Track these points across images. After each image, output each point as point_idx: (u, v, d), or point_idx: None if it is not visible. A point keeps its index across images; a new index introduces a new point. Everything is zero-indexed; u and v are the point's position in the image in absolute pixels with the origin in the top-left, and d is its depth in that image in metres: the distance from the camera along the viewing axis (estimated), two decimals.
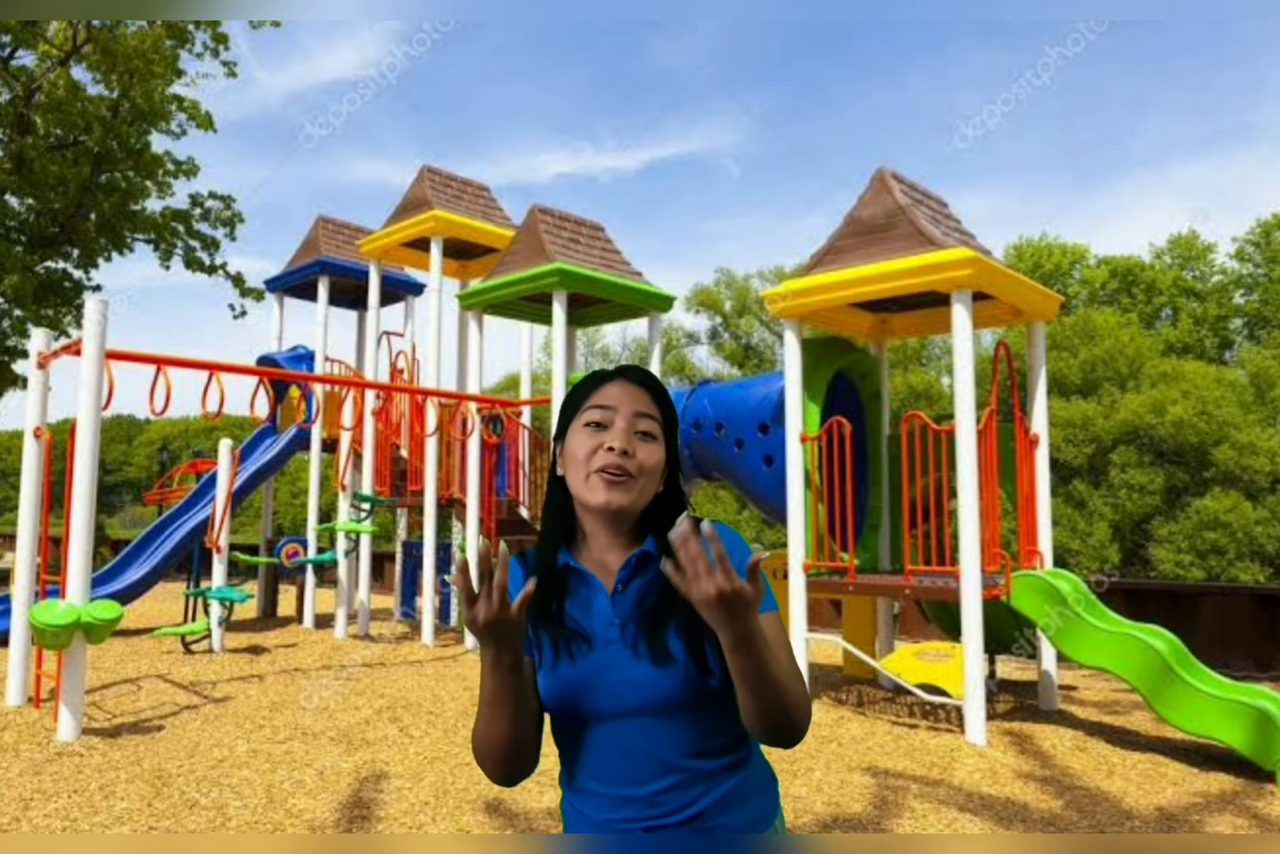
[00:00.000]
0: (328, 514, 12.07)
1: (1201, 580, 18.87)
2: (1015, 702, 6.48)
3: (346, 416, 9.27)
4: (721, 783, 1.28)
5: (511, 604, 1.14)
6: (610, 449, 1.27)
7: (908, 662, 5.94)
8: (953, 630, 6.56)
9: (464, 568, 1.13)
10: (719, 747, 1.29)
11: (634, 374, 1.37)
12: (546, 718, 1.34)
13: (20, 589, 5.93)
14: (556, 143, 77.58)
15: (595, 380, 1.37)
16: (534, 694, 1.30)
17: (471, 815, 3.89)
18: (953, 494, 5.84)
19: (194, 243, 15.63)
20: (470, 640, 8.45)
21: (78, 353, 5.41)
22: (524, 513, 9.12)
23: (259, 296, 15.68)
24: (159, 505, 11.05)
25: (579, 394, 1.36)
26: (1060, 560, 15.86)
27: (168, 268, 15.61)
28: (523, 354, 9.77)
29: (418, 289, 11.10)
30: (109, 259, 14.99)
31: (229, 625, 8.53)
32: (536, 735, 1.30)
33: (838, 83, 66.01)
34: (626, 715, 1.26)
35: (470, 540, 8.28)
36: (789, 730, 1.21)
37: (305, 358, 10.83)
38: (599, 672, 1.27)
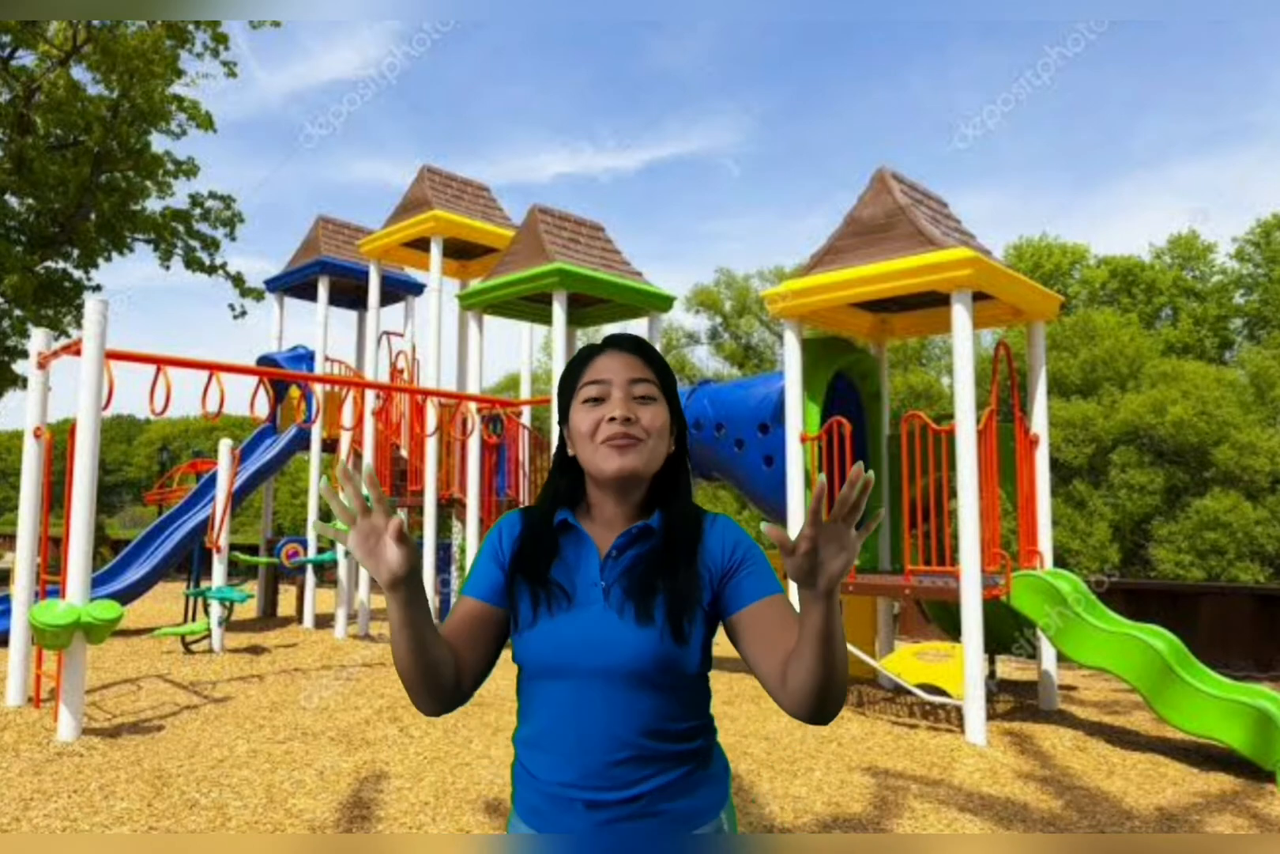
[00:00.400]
0: (328, 514, 12.07)
1: (1201, 580, 18.87)
2: (1015, 702, 6.48)
3: (346, 416, 9.26)
4: (672, 769, 1.27)
5: (407, 542, 1.14)
6: (612, 419, 1.28)
7: (908, 662, 5.94)
8: (953, 630, 6.56)
9: (345, 473, 1.14)
10: (677, 732, 1.28)
11: (622, 342, 1.37)
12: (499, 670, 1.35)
13: (20, 589, 5.93)
14: (556, 143, 77.64)
15: (585, 356, 1.37)
16: (471, 620, 1.31)
17: (471, 815, 3.89)
18: (953, 494, 5.84)
19: (194, 243, 15.64)
20: None
21: (78, 353, 5.41)
22: None
23: (259, 296, 15.69)
24: (159, 505, 11.05)
25: (572, 372, 1.37)
26: (1060, 560, 15.86)
27: (168, 268, 15.62)
28: (523, 354, 9.76)
29: (418, 289, 11.10)
30: (109, 259, 15.00)
31: (229, 625, 8.53)
32: (451, 656, 1.26)
33: (838, 83, 66.06)
34: (594, 678, 1.26)
35: (470, 541, 8.28)
36: (833, 701, 1.18)
37: (305, 358, 10.83)
38: (575, 629, 1.27)
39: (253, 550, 13.26)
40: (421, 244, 9.59)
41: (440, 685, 1.25)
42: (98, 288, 15.06)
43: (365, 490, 1.15)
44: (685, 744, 1.29)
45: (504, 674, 5.90)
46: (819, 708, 1.19)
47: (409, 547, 1.15)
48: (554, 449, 1.42)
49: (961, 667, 5.44)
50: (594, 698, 1.26)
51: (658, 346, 8.76)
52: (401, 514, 9.42)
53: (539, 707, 1.30)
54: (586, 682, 1.26)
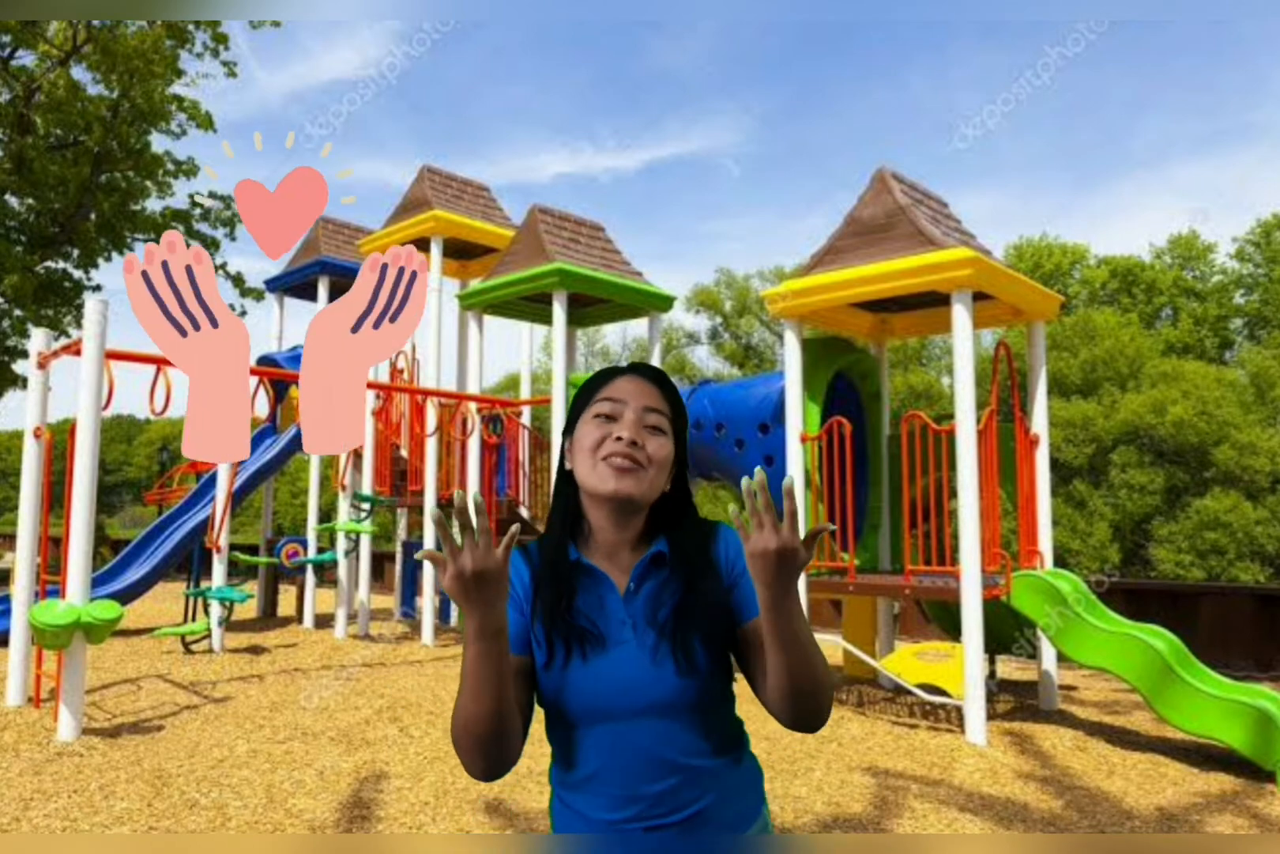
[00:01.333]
0: (328, 514, 12.07)
1: (1201, 580, 18.88)
2: (1015, 702, 6.48)
3: None
4: (720, 780, 1.28)
5: (497, 550, 1.07)
6: (619, 439, 1.27)
7: (908, 662, 5.94)
8: (953, 630, 6.56)
9: (440, 521, 1.05)
10: (717, 745, 1.29)
11: (645, 370, 1.37)
12: (536, 712, 1.32)
13: (20, 589, 5.93)
14: (556, 143, 77.59)
15: (606, 375, 1.37)
16: (517, 677, 1.24)
17: (471, 815, 3.89)
18: (953, 494, 5.84)
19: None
20: None
21: (78, 353, 5.41)
22: (524, 513, 9.12)
23: (259, 296, 15.69)
24: (159, 505, 11.05)
25: (590, 388, 1.36)
26: (1060, 560, 15.86)
27: None
28: (523, 354, 9.77)
29: None
30: (109, 259, 15.00)
31: (229, 625, 8.53)
32: (520, 720, 1.22)
33: (838, 83, 66.03)
34: (636, 715, 1.25)
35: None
36: (815, 709, 1.20)
37: None
38: (611, 671, 1.26)
39: (253, 550, 13.26)
40: (421, 244, 9.58)
41: (508, 754, 1.19)
42: (98, 288, 15.09)
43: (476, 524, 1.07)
44: (727, 755, 1.31)
45: None
46: (796, 713, 1.20)
47: (507, 590, 1.10)
48: (555, 467, 1.41)
49: (961, 667, 5.44)
50: (639, 736, 1.25)
51: (657, 347, 8.76)
52: (401, 514, 9.37)
53: (584, 751, 1.28)
54: (630, 722, 1.25)
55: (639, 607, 1.29)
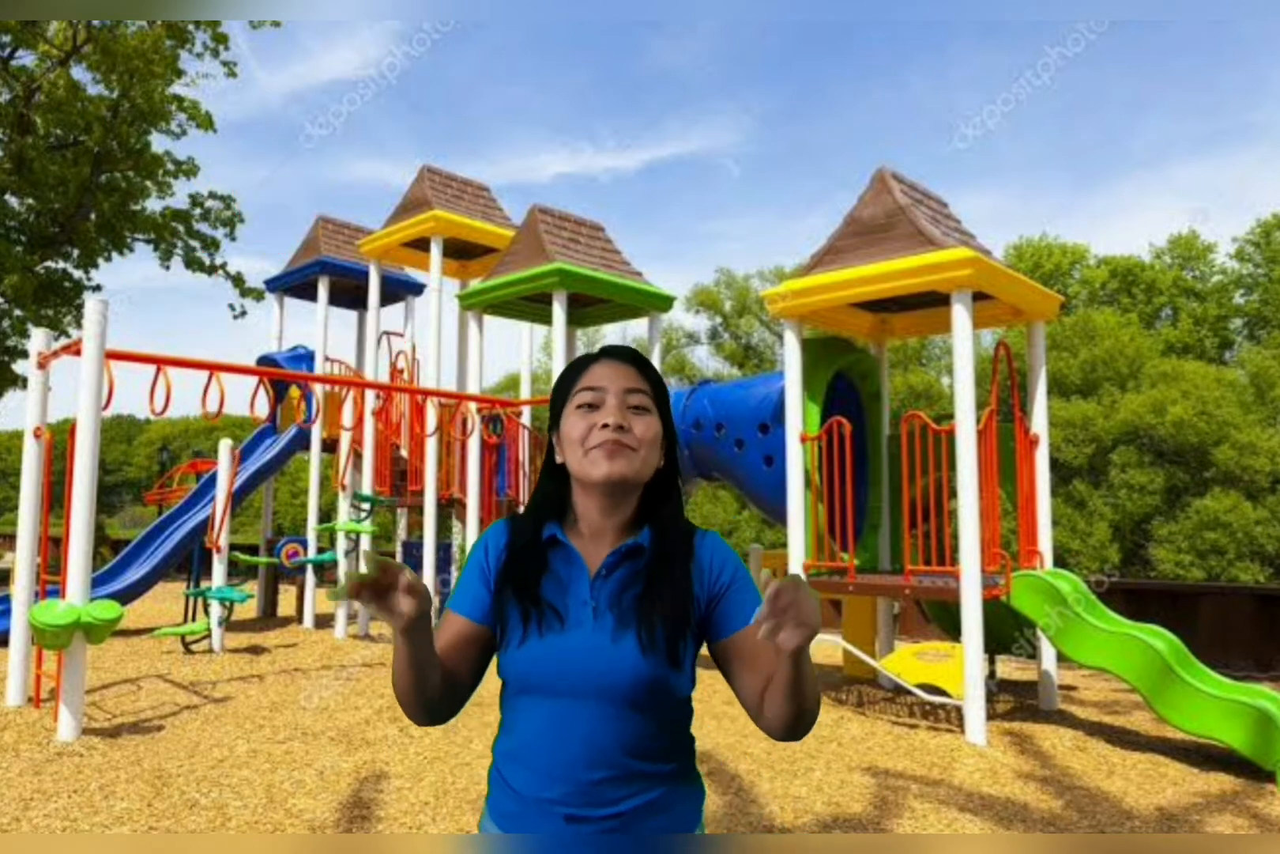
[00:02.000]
0: (328, 514, 12.07)
1: (1201, 580, 18.87)
2: (1015, 702, 6.48)
3: (346, 417, 9.27)
4: (652, 787, 1.28)
5: (416, 590, 1.17)
6: (605, 426, 1.27)
7: (908, 662, 5.94)
8: (953, 630, 6.56)
9: (357, 586, 1.16)
10: (659, 750, 1.29)
11: (618, 352, 1.37)
12: (486, 679, 1.37)
13: (20, 589, 5.93)
14: (556, 143, 77.65)
15: (581, 364, 1.37)
16: (469, 644, 1.33)
17: (471, 815, 3.89)
18: (953, 494, 5.84)
19: (194, 243, 15.64)
20: None
21: (78, 353, 5.41)
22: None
23: (259, 296, 15.69)
24: (159, 505, 11.05)
25: (567, 379, 1.36)
26: (1060, 560, 15.86)
27: (168, 268, 15.63)
28: (523, 354, 9.76)
29: (418, 289, 11.10)
30: (109, 259, 15.00)
31: (229, 625, 8.53)
32: (445, 686, 1.30)
33: (838, 83, 66.08)
34: (580, 696, 1.26)
35: (470, 540, 8.28)
36: (807, 727, 1.25)
37: (305, 358, 10.83)
38: (565, 652, 1.26)
39: (253, 550, 13.26)
40: (421, 244, 9.59)
41: (436, 706, 1.30)
42: (98, 288, 15.07)
43: (372, 572, 1.17)
44: (667, 764, 1.30)
45: None
46: (790, 735, 1.26)
47: (419, 594, 1.17)
48: (544, 456, 1.41)
49: (961, 667, 5.44)
50: (580, 717, 1.26)
51: (657, 347, 8.76)
52: (402, 515, 9.35)
53: (523, 722, 1.30)
54: (573, 701, 1.26)
55: (605, 591, 1.30)
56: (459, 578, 1.38)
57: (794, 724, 1.23)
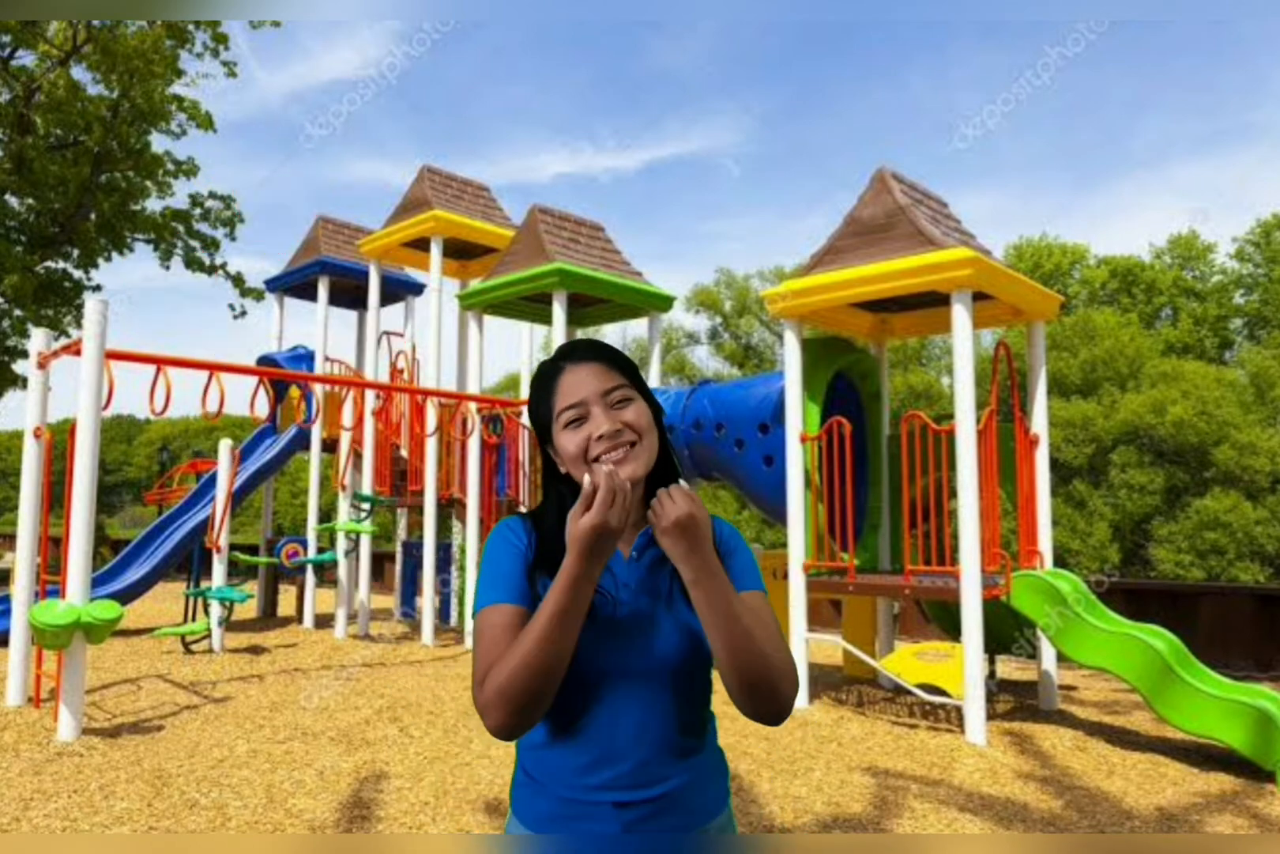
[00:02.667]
0: (328, 514, 12.07)
1: (1201, 580, 18.87)
2: (1015, 702, 6.48)
3: (346, 416, 9.27)
4: (692, 761, 1.31)
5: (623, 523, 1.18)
6: (600, 437, 1.28)
7: (908, 662, 5.94)
8: (953, 630, 6.56)
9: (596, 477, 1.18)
10: (697, 723, 1.33)
11: (580, 352, 1.35)
12: None
13: (20, 589, 5.93)
14: (556, 143, 77.68)
15: (548, 375, 1.35)
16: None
17: (471, 815, 3.89)
18: (953, 494, 5.84)
19: (194, 243, 15.64)
20: (469, 641, 8.45)
21: (78, 353, 5.41)
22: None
23: (259, 296, 15.68)
24: (159, 505, 11.05)
25: (542, 398, 1.35)
26: (1060, 560, 15.87)
27: (168, 268, 15.63)
28: (523, 354, 9.76)
29: (418, 289, 11.10)
30: (109, 259, 15.00)
31: (229, 625, 8.53)
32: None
33: (838, 83, 66.07)
34: (629, 677, 1.28)
35: (470, 540, 8.28)
36: (768, 691, 1.21)
37: (305, 358, 10.83)
38: (607, 632, 1.28)
39: (253, 550, 13.26)
40: (421, 244, 9.59)
41: (542, 708, 1.21)
42: (98, 288, 15.07)
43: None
44: (701, 737, 1.34)
45: None
46: (751, 701, 1.22)
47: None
48: (541, 468, 1.41)
49: (961, 667, 5.44)
50: (631, 696, 1.28)
51: (657, 347, 8.77)
52: (402, 514, 9.37)
53: (570, 707, 1.29)
54: (622, 680, 1.27)
55: (638, 572, 1.33)
56: (483, 573, 1.34)
57: (748, 689, 1.19)
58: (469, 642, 8.49)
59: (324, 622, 9.89)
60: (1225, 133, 52.44)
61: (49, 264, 14.30)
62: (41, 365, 6.07)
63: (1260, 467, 20.10)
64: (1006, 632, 6.50)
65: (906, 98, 63.89)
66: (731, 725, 5.35)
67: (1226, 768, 4.80)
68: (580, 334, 9.92)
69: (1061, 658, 5.83)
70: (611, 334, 34.96)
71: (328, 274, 10.46)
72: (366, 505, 9.08)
